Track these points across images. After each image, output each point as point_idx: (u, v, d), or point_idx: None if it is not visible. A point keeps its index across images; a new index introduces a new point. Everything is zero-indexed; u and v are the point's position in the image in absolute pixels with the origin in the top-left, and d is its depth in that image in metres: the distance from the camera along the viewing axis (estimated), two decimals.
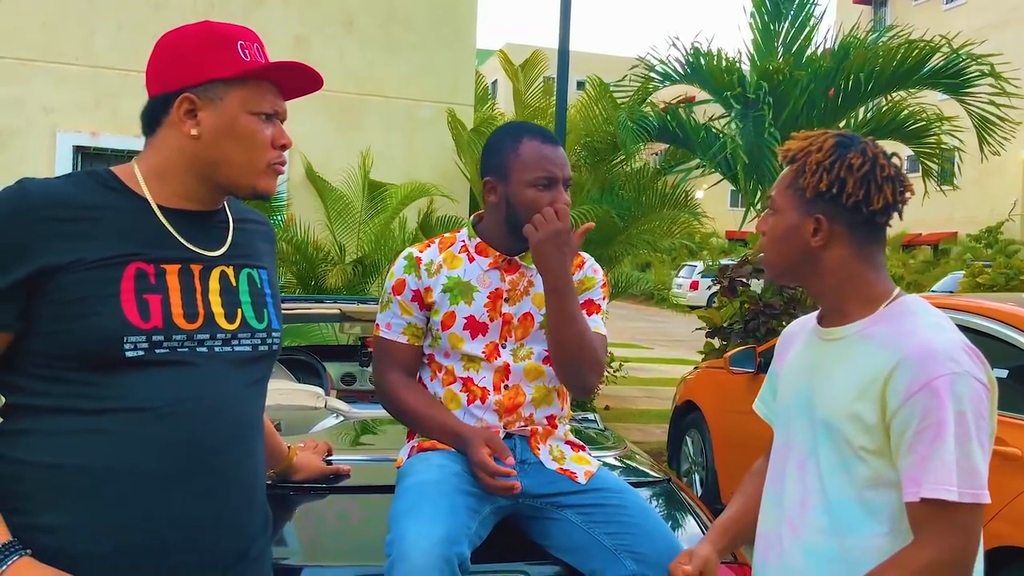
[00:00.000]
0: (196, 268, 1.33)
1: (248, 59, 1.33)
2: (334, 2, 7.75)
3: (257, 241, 1.48)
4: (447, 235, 2.04)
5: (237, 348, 1.34)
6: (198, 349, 1.29)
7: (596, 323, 2.02)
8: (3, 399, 1.28)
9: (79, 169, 7.06)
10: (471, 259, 1.96)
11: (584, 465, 1.94)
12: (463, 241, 1.99)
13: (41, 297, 1.22)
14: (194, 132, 1.31)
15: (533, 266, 1.93)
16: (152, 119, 1.35)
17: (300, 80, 1.38)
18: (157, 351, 1.25)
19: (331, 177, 7.35)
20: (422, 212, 7.50)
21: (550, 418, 1.98)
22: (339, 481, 2.01)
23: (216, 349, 1.31)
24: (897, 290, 1.42)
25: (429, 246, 2.00)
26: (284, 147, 1.38)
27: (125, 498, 1.22)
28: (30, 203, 1.23)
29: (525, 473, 1.86)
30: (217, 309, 1.33)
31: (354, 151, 7.53)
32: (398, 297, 1.96)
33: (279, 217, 7.24)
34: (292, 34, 7.56)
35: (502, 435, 1.89)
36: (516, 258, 1.95)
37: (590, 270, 2.05)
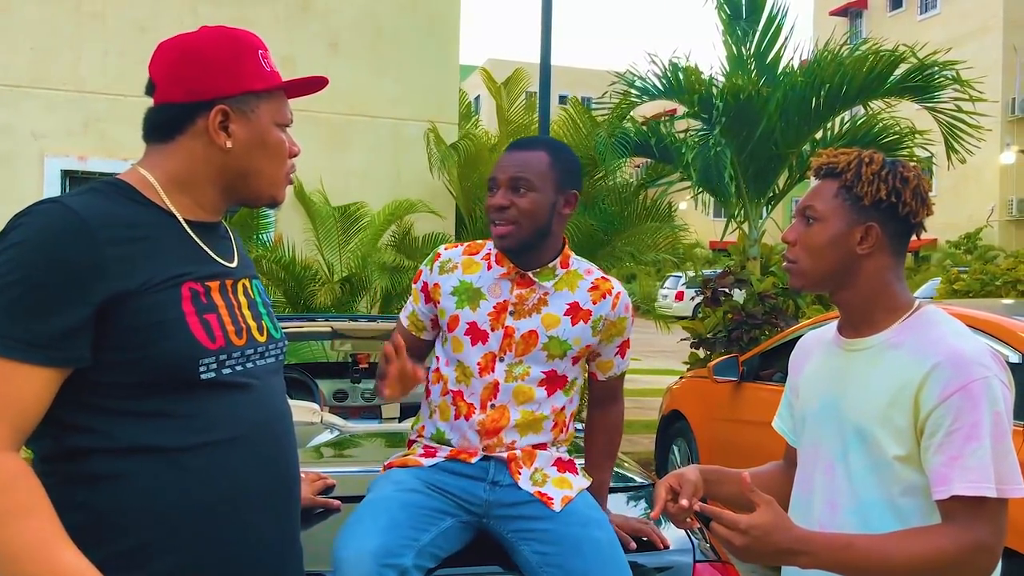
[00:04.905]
0: (228, 283, 1.31)
1: (269, 69, 1.31)
2: (320, 23, 7.85)
3: (245, 250, 1.46)
4: (479, 241, 2.04)
5: (269, 360, 1.34)
6: (247, 365, 1.27)
7: (624, 364, 2.05)
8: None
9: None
10: (489, 267, 1.95)
11: (564, 489, 1.88)
12: (488, 249, 1.99)
13: (111, 325, 1.14)
14: (229, 144, 1.26)
15: (548, 284, 1.92)
16: (171, 126, 1.27)
17: (304, 86, 1.38)
18: (223, 371, 1.23)
19: (319, 197, 7.43)
20: (400, 230, 7.57)
21: (537, 445, 1.92)
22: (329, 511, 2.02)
23: (258, 363, 1.30)
24: (918, 301, 1.50)
25: (456, 247, 2.02)
26: (295, 155, 1.37)
27: (226, 526, 1.21)
28: (87, 223, 1.13)
29: (494, 492, 1.87)
30: (251, 323, 1.32)
31: (341, 171, 7.61)
32: (415, 286, 2.02)
33: (267, 236, 7.30)
34: (279, 55, 7.53)
35: (479, 457, 1.89)
36: (530, 273, 1.92)
37: (623, 308, 1.97)
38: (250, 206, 1.40)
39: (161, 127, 1.27)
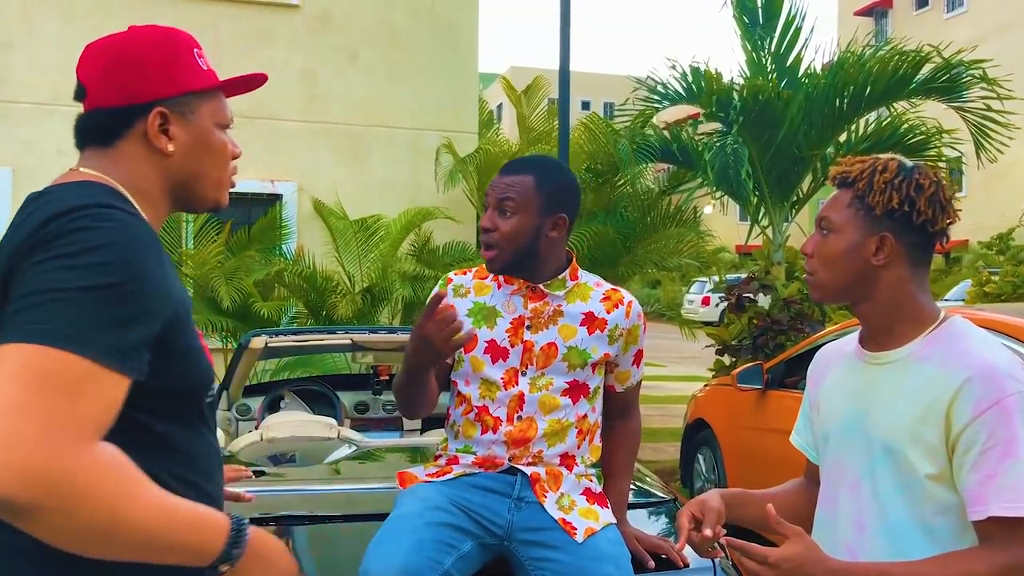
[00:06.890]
0: None
1: (206, 68, 1.26)
2: (339, 36, 7.90)
3: None
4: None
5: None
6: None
7: (639, 374, 2.04)
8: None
9: None
10: (500, 286, 1.96)
11: (590, 520, 1.86)
12: None
13: (162, 344, 1.06)
14: (171, 148, 1.21)
15: (559, 294, 1.93)
16: (108, 131, 1.20)
17: (243, 84, 1.34)
18: (207, 400, 1.21)
19: (338, 208, 7.46)
20: (420, 239, 7.58)
21: (564, 456, 1.91)
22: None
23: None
24: (943, 312, 1.45)
25: (466, 272, 2.05)
26: (236, 157, 1.32)
27: None
28: (151, 235, 1.09)
29: (519, 510, 1.85)
30: None
31: (360, 181, 7.65)
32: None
33: (288, 248, 7.34)
34: (298, 69, 7.71)
35: (505, 467, 1.88)
36: (541, 286, 1.93)
37: (636, 316, 1.98)
38: (191, 211, 1.32)
39: (97, 132, 1.21)
